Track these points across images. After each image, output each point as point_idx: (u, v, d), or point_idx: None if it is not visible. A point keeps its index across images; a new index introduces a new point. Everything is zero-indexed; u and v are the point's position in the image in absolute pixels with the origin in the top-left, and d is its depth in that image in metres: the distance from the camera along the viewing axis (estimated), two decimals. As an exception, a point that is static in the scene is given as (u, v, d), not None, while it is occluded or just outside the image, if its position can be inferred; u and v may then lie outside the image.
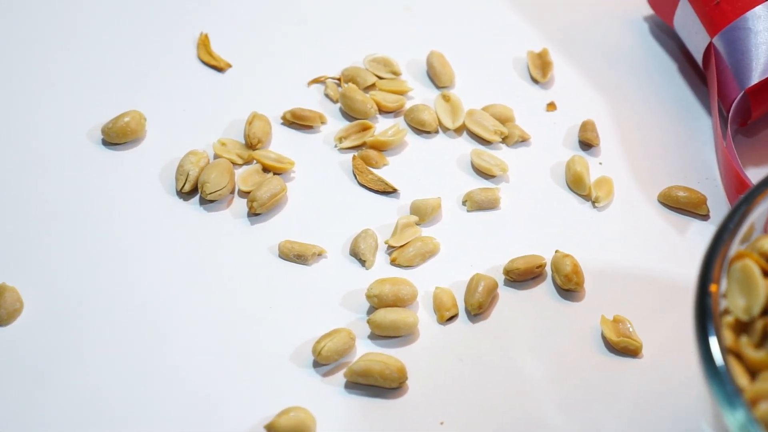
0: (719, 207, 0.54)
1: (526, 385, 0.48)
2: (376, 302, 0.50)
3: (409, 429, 0.49)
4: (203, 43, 0.58)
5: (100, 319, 0.51)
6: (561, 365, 0.49)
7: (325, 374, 0.50)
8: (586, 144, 0.55)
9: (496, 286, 0.51)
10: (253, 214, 0.55)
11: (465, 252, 0.53)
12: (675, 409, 0.48)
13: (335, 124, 0.57)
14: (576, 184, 0.54)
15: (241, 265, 0.54)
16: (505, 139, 0.56)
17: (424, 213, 0.53)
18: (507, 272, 0.51)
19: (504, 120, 0.56)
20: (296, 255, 0.53)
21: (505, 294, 0.51)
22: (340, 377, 0.50)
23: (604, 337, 0.50)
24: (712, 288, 0.38)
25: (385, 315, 0.50)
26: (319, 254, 0.53)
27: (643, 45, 0.61)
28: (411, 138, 0.57)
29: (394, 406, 0.49)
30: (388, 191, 0.54)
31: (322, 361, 0.50)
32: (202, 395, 0.50)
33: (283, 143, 0.57)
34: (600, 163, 0.55)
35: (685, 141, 0.57)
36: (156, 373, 0.50)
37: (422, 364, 0.49)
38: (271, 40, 0.60)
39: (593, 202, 0.54)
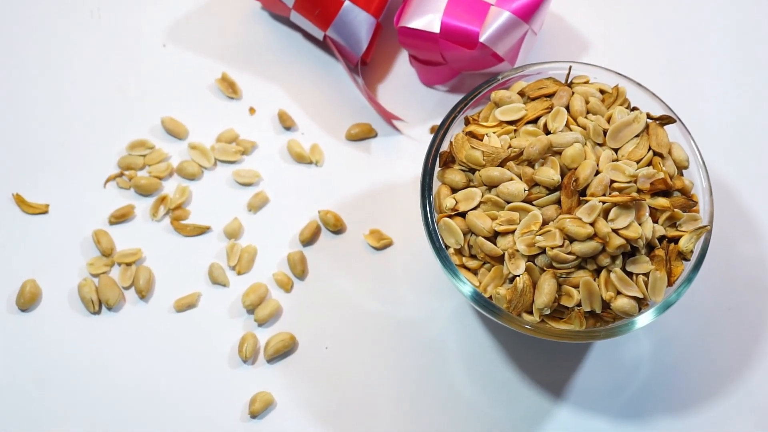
0: (380, 125, 0.63)
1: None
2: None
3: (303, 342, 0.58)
4: (20, 200, 0.60)
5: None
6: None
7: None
8: (286, 128, 0.63)
9: None
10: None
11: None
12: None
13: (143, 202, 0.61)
14: (300, 158, 0.62)
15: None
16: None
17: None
18: None
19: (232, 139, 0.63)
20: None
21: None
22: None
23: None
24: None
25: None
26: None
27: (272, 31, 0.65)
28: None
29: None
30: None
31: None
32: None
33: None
34: (302, 134, 0.63)
35: (340, 89, 0.64)
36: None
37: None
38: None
39: (315, 164, 0.62)
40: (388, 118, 0.62)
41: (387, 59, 0.64)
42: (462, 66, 0.61)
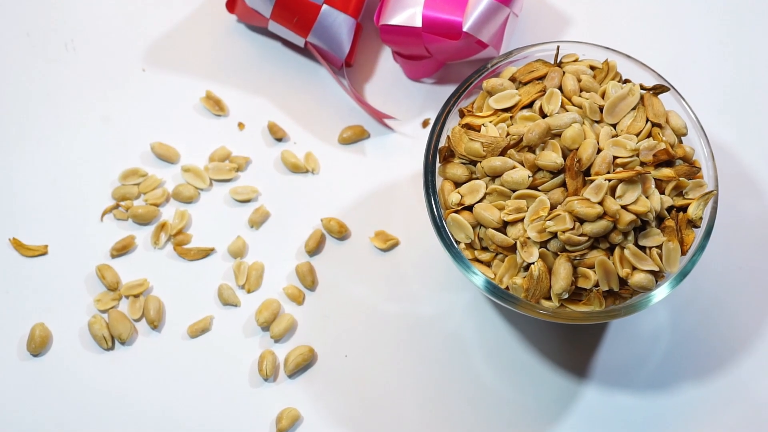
0: (371, 126, 0.63)
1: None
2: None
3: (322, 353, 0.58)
4: (18, 245, 0.60)
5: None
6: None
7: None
8: (278, 139, 0.62)
9: None
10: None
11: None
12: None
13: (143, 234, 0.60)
14: (295, 168, 0.61)
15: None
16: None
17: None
18: None
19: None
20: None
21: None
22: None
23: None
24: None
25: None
26: None
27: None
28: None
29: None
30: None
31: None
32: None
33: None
34: (295, 143, 0.62)
35: (327, 94, 0.63)
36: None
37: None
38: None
39: (312, 172, 0.62)
40: (379, 117, 0.62)
41: (370, 58, 0.64)
42: (447, 57, 0.61)
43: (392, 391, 0.57)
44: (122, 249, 0.59)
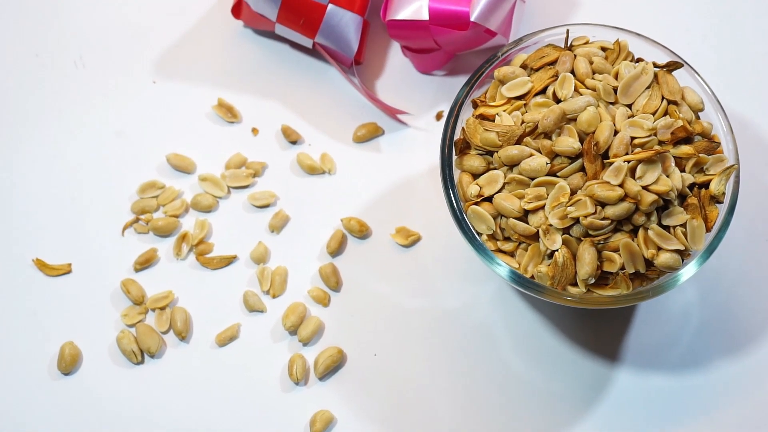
0: (385, 122, 0.63)
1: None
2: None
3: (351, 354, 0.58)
4: (42, 265, 0.59)
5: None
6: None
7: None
8: (292, 142, 0.62)
9: None
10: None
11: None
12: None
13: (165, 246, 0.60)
14: (312, 170, 0.62)
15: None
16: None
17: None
18: None
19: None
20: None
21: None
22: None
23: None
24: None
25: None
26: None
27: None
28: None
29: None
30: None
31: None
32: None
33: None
34: (309, 145, 0.62)
35: (339, 93, 0.64)
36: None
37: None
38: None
39: (328, 173, 0.61)
40: (392, 113, 0.62)
41: (379, 54, 0.64)
42: (456, 48, 0.61)
43: (423, 386, 0.57)
44: (145, 262, 0.59)
